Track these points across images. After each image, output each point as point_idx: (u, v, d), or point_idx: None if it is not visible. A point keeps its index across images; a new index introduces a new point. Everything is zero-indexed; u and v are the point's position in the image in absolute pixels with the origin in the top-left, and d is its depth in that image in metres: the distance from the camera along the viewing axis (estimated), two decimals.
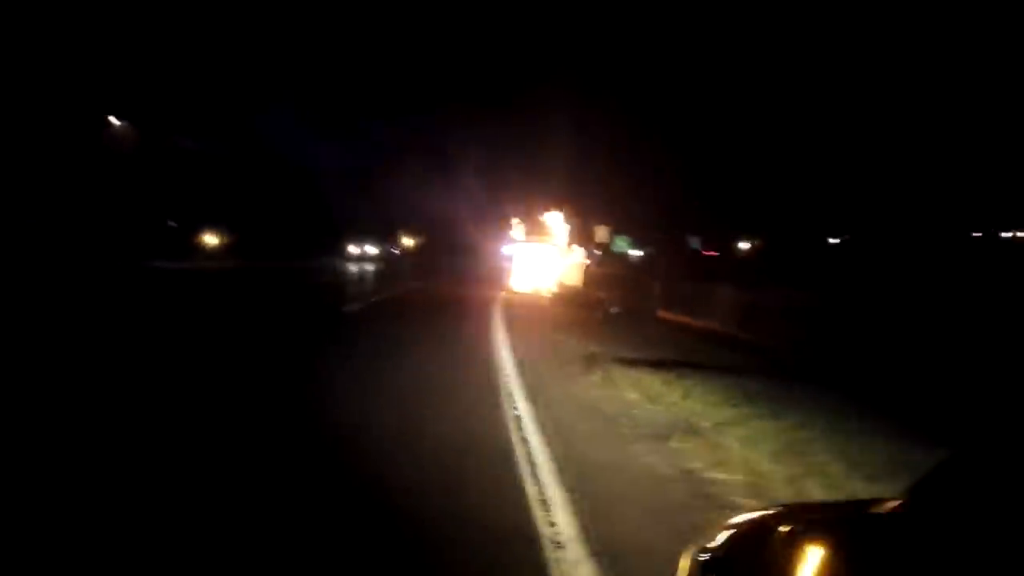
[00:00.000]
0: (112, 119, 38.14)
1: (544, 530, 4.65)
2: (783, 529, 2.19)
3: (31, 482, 4.79)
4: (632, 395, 9.39)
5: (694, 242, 58.45)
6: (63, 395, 7.26)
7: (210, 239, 41.81)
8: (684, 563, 2.53)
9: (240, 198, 45.32)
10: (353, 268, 46.61)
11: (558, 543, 4.45)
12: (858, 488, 5.92)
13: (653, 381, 10.13)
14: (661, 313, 25.56)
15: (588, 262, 36.73)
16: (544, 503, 5.14)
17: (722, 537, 2.49)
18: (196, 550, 4.02)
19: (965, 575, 1.78)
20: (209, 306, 18.10)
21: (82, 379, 8.07)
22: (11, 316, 12.76)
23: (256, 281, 28.17)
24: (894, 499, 2.12)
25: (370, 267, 49.68)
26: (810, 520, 2.40)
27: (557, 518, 4.85)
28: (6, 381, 7.59)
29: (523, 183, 46.74)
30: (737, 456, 6.62)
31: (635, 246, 48.94)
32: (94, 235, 32.58)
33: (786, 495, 5.83)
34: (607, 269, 36.30)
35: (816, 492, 5.89)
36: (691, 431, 7.54)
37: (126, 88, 37.43)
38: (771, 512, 2.72)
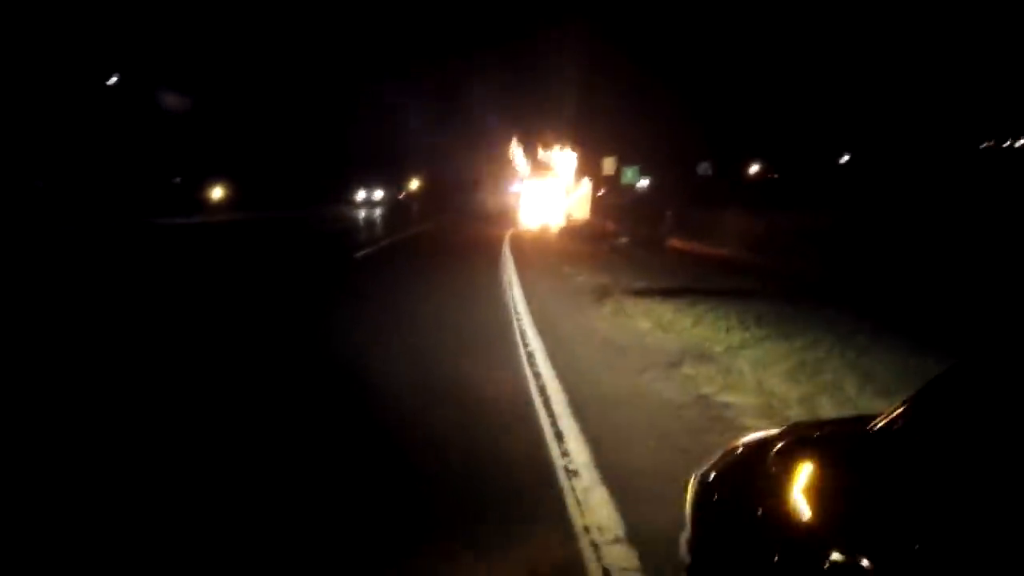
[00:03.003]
0: (112, 77, 37.81)
1: (558, 460, 4.72)
2: (778, 445, 2.22)
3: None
4: (643, 324, 9.41)
5: (704, 168, 57.84)
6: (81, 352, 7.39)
7: (216, 193, 41.74)
8: (692, 483, 2.59)
9: (245, 149, 45.04)
10: (361, 213, 46.56)
11: (572, 471, 4.52)
12: (871, 402, 5.93)
13: (664, 309, 10.12)
14: (673, 242, 25.41)
15: (597, 194, 36.52)
16: (558, 435, 5.20)
17: (725, 456, 2.52)
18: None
19: (956, 485, 1.80)
20: (223, 260, 18.19)
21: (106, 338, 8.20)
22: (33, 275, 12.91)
23: (266, 232, 28.22)
24: (894, 410, 2.12)
25: (377, 212, 49.60)
26: (804, 436, 2.43)
27: (570, 447, 4.92)
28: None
29: (530, 119, 46.25)
30: (750, 379, 6.64)
31: (643, 176, 48.42)
32: (102, 194, 32.59)
33: (799, 414, 5.85)
34: (615, 200, 36.08)
35: (829, 409, 5.91)
36: (703, 357, 7.55)
37: (121, 44, 36.99)
38: (774, 432, 2.75)
